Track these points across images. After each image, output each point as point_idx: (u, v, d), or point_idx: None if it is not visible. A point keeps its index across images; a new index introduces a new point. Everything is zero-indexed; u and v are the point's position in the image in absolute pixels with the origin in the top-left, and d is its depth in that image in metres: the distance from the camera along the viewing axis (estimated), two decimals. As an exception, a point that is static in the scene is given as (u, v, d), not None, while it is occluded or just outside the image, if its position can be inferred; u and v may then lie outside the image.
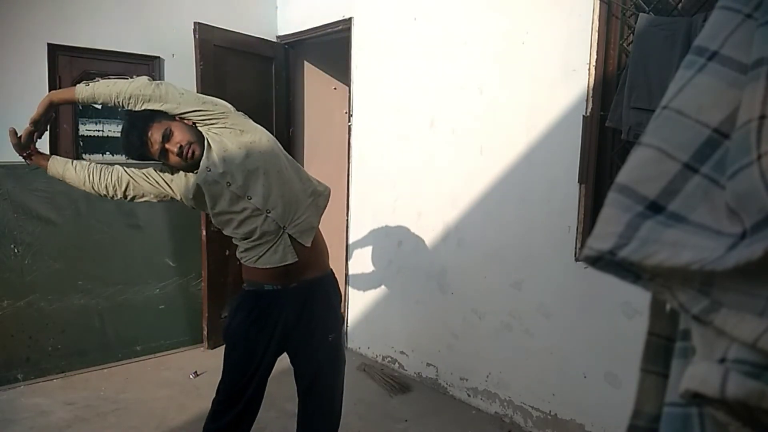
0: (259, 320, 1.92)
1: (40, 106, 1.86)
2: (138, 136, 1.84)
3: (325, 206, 2.08)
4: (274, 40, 4.44)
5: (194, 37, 3.79)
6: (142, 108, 1.83)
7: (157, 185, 1.97)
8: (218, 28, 3.92)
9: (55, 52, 3.65)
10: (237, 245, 1.98)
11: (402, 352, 3.59)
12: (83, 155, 3.87)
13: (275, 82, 4.32)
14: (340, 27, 3.88)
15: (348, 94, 3.93)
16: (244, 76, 4.04)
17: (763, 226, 0.43)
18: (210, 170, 1.85)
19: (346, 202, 3.95)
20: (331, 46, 4.34)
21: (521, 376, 2.89)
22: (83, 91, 1.83)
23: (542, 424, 2.80)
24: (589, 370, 2.59)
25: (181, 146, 1.83)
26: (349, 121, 3.88)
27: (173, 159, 1.86)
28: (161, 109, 1.83)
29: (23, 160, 2.00)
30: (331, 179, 4.59)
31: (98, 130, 3.94)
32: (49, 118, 1.91)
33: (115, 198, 2.01)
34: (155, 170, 1.99)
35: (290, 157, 2.02)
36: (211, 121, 1.88)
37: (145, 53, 3.97)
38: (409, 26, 3.40)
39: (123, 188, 1.97)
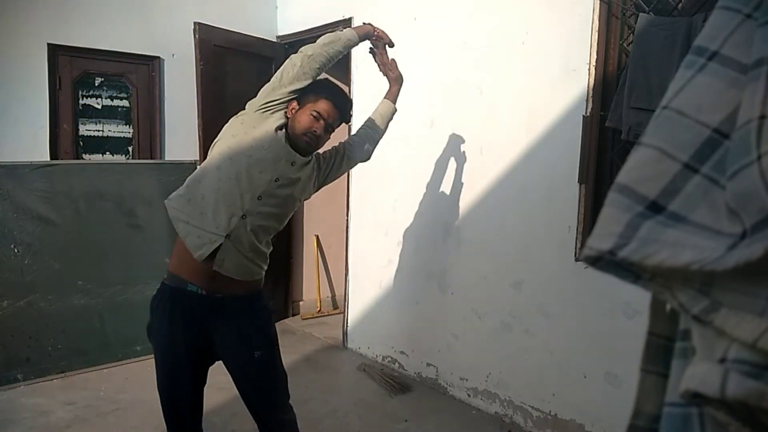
0: (181, 322, 1.81)
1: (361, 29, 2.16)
2: (345, 102, 1.99)
3: (246, 284, 1.90)
4: (274, 40, 4.44)
5: (194, 37, 3.79)
6: (361, 150, 2.19)
7: (293, 92, 1.93)
8: (218, 28, 3.92)
9: (55, 52, 3.65)
10: (185, 186, 1.86)
11: (402, 352, 3.58)
12: (83, 155, 3.87)
13: (275, 82, 4.32)
14: (340, 27, 3.88)
15: (348, 94, 3.92)
16: (244, 76, 4.04)
17: (763, 226, 0.43)
18: (293, 164, 1.89)
19: (346, 202, 3.96)
20: (331, 46, 4.33)
21: (521, 376, 2.89)
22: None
23: (542, 424, 2.80)
24: (589, 370, 2.59)
25: (318, 136, 1.90)
26: (349, 121, 3.88)
27: (305, 120, 1.88)
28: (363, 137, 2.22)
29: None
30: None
31: (98, 130, 3.94)
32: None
33: (314, 66, 1.99)
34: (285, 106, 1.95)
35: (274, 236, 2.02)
36: (331, 163, 2.09)
37: (145, 53, 3.97)
38: (409, 26, 3.39)
39: (315, 75, 1.98)
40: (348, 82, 3.92)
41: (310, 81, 1.93)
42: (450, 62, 3.17)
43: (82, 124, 3.86)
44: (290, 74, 1.92)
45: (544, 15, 2.71)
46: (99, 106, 3.92)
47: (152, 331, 1.88)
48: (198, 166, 1.92)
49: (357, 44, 2.13)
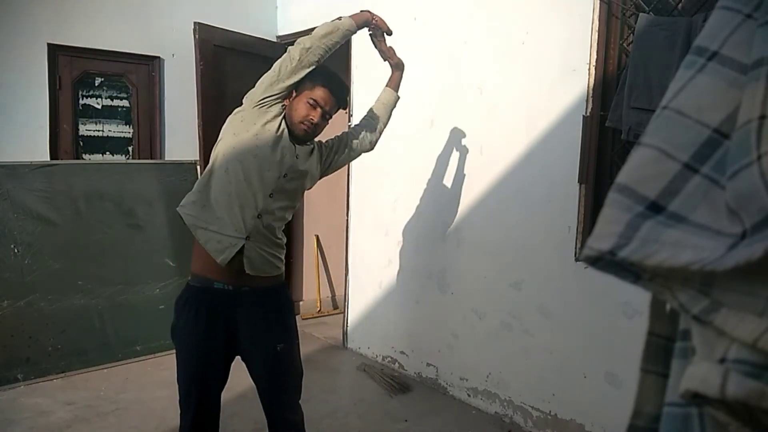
0: (208, 320, 1.82)
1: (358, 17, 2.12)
2: (342, 88, 1.97)
3: (272, 273, 1.93)
4: (274, 40, 4.44)
5: (194, 37, 3.79)
6: (364, 140, 2.18)
7: (289, 85, 1.90)
8: (218, 28, 3.92)
9: (55, 52, 3.65)
10: (195, 191, 1.87)
11: (402, 352, 3.59)
12: (83, 155, 3.87)
13: (275, 82, 4.31)
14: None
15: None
16: (244, 76, 4.02)
17: (763, 226, 0.43)
18: (298, 157, 1.90)
19: (346, 202, 3.95)
20: (331, 46, 4.33)
21: (521, 376, 2.89)
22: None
23: (542, 424, 2.80)
24: (589, 370, 2.59)
25: (315, 123, 1.89)
26: (349, 121, 3.88)
27: (302, 108, 1.88)
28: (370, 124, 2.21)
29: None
30: (331, 179, 4.60)
31: (98, 130, 3.94)
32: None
33: (311, 57, 1.95)
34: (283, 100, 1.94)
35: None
36: (334, 151, 2.09)
37: (145, 53, 3.97)
38: (409, 26, 3.40)
39: (313, 66, 1.95)
40: (348, 80, 3.92)
41: (311, 68, 1.92)
42: (450, 62, 3.17)
43: (82, 124, 3.86)
44: (288, 68, 1.89)
45: (544, 15, 2.71)
46: (99, 106, 3.92)
47: (177, 330, 1.89)
48: (203, 167, 1.93)
49: (355, 32, 2.09)
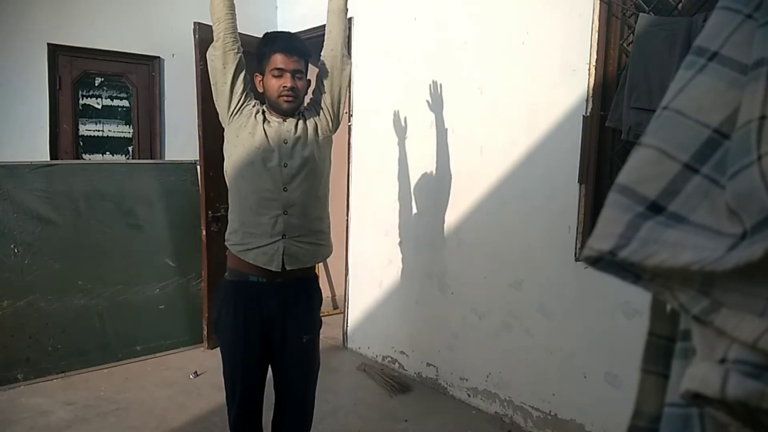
0: (246, 313, 1.90)
1: None
2: (291, 41, 1.91)
3: (320, 260, 2.03)
4: (274, 40, 4.44)
5: (194, 37, 3.78)
6: (329, 53, 2.02)
7: (238, 79, 1.94)
8: (218, 28, 3.91)
9: (55, 52, 3.65)
10: (229, 221, 1.95)
11: (402, 352, 3.58)
12: (83, 155, 3.87)
13: (275, 82, 4.31)
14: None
15: (348, 93, 3.92)
16: (244, 76, 4.04)
17: (763, 227, 0.43)
18: (286, 142, 1.88)
19: (346, 202, 3.95)
20: (331, 46, 4.33)
21: (521, 376, 2.89)
22: None
23: (542, 424, 2.80)
24: (589, 370, 2.59)
25: (291, 88, 1.86)
26: (349, 121, 3.88)
27: (273, 83, 1.88)
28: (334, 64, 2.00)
29: None
30: (332, 179, 4.60)
31: (98, 130, 3.94)
32: None
33: (218, 30, 1.96)
34: (248, 88, 1.97)
35: (327, 193, 2.04)
36: (330, 117, 2.00)
37: (145, 53, 3.98)
38: (409, 26, 3.39)
39: (232, 42, 1.96)
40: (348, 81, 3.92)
41: (234, 45, 1.94)
42: (450, 62, 3.17)
43: (82, 124, 3.86)
44: (215, 63, 1.95)
45: (544, 15, 2.71)
46: (99, 106, 3.92)
47: (219, 326, 1.97)
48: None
49: None
